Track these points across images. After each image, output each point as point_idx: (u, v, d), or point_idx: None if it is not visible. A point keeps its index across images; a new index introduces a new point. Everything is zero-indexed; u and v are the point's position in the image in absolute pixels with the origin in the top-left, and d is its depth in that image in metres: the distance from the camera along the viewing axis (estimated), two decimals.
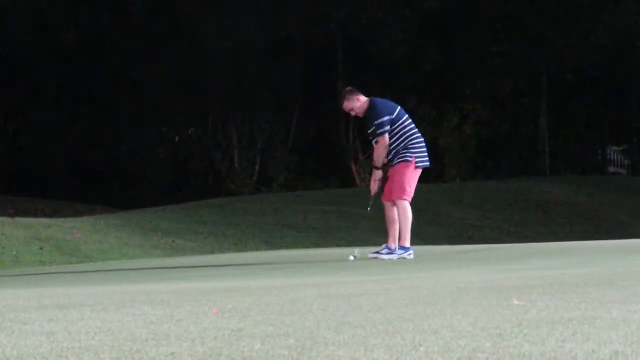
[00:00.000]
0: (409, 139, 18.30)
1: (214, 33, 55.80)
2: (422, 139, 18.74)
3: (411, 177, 18.22)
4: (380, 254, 18.10)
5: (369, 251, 18.64)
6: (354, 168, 50.61)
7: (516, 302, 8.27)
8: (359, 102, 18.33)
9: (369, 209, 19.33)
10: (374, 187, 18.60)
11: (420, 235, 22.50)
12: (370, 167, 19.18)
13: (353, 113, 18.49)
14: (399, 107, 18.52)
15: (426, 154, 18.67)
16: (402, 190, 18.19)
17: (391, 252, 18.07)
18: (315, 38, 55.08)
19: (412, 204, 18.65)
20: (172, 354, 5.50)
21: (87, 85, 58.76)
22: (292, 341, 5.97)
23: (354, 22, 54.87)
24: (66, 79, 59.11)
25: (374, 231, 18.76)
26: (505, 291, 9.44)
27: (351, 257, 18.88)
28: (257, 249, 27.90)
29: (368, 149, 16.96)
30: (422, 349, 5.33)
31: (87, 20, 59.04)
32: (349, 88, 18.74)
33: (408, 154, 18.15)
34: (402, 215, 18.31)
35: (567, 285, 10.63)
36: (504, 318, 7.10)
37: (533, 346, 5.36)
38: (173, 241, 32.12)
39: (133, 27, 58.86)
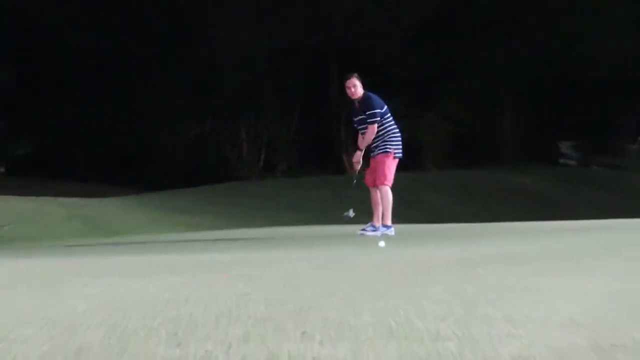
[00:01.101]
0: (390, 133, 18.31)
1: (225, 41, 55.76)
2: (399, 134, 18.75)
3: (390, 166, 18.24)
4: (366, 231, 18.10)
5: (358, 229, 18.62)
6: (344, 158, 50.52)
7: (481, 271, 8.29)
8: (359, 87, 18.34)
9: (355, 181, 19.45)
10: (356, 167, 18.80)
11: (401, 217, 22.36)
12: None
13: (351, 91, 18.35)
14: (386, 105, 18.52)
15: (401, 146, 18.74)
16: (384, 177, 18.21)
17: (375, 229, 18.07)
18: (313, 47, 55.00)
19: (393, 189, 18.68)
20: (190, 314, 5.56)
21: (124, 86, 58.58)
22: (291, 305, 6.03)
23: (346, 34, 54.84)
24: (104, 79, 58.94)
25: (362, 212, 18.66)
26: (472, 264, 9.51)
27: (351, 214, 18.98)
28: (261, 226, 27.76)
29: (356, 142, 16.89)
30: (401, 312, 5.38)
31: (120, 27, 58.99)
32: (355, 76, 18.65)
33: (388, 146, 18.17)
34: (384, 199, 18.34)
35: (526, 258, 10.66)
36: (471, 286, 7.15)
37: (496, 309, 5.43)
38: (190, 219, 32.01)
39: (158, 36, 58.63)
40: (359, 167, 18.82)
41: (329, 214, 24.54)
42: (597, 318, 5.00)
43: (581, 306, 5.62)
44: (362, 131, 18.53)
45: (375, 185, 18.53)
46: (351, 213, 19.11)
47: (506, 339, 4.23)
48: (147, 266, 11.76)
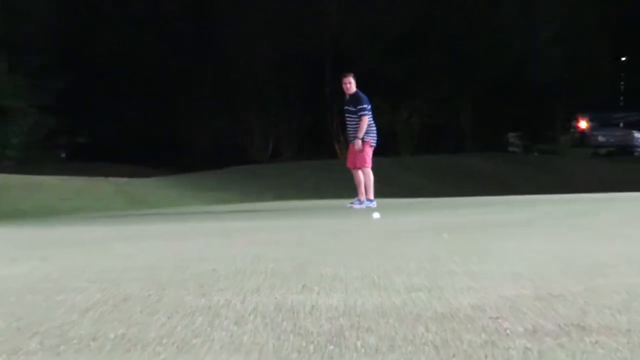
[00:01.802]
0: (370, 126, 18.22)
1: (240, 52, 56.02)
2: (375, 127, 18.65)
3: (369, 152, 17.97)
4: (354, 205, 18.00)
5: (346, 203, 18.54)
6: (336, 146, 50.67)
7: (446, 236, 8.25)
8: (353, 85, 18.03)
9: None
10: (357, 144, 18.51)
11: (381, 192, 22.25)
12: (346, 143, 18.93)
13: (347, 87, 18.01)
14: (370, 103, 18.48)
15: (376, 136, 18.63)
16: (364, 161, 17.98)
17: (361, 203, 17.94)
18: (310, 55, 55.25)
19: (374, 170, 18.64)
20: (213, 270, 5.56)
21: (163, 87, 58.87)
22: (295, 262, 6.05)
23: (337, 45, 55.14)
24: (148, 82, 59.24)
25: (352, 188, 18.61)
26: (438, 230, 9.43)
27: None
28: (270, 200, 27.72)
29: (344, 133, 16.90)
30: (382, 268, 5.38)
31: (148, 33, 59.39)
32: (351, 74, 18.57)
33: (367, 136, 18.05)
34: (367, 178, 18.15)
35: (482, 225, 10.63)
36: (438, 247, 7.13)
37: (458, 266, 5.45)
38: (212, 195, 31.96)
39: (190, 47, 59.05)
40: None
41: (323, 191, 24.53)
42: (538, 273, 4.97)
43: (526, 264, 5.60)
44: (348, 118, 18.34)
45: (356, 167, 18.37)
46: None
47: (466, 290, 4.21)
48: (177, 232, 11.75)
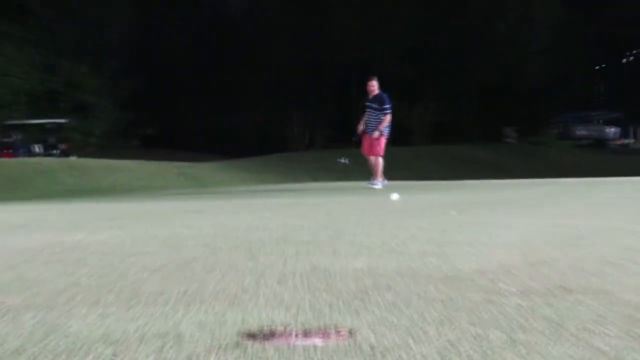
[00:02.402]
0: (389, 121, 18.19)
1: (284, 58, 56.25)
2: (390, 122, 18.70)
3: (382, 143, 17.97)
4: (373, 184, 17.92)
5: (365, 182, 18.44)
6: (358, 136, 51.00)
7: (453, 213, 8.20)
8: (377, 86, 18.11)
9: (344, 160, 19.36)
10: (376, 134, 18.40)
11: (398, 176, 22.20)
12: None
13: (371, 88, 18.10)
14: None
15: (389, 130, 18.62)
16: (380, 150, 17.97)
17: (376, 184, 17.90)
18: (339, 63, 55.31)
19: (392, 158, 18.69)
20: (260, 238, 5.55)
21: (220, 86, 59.24)
22: (327, 232, 6.04)
23: (361, 54, 55.03)
24: (207, 81, 59.70)
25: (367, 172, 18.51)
26: (446, 207, 9.38)
27: (344, 160, 18.96)
28: (307, 181, 27.69)
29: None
30: (399, 237, 5.36)
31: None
32: (375, 78, 18.54)
33: (384, 130, 18.02)
34: (377, 164, 18.03)
35: (483, 203, 10.57)
36: (446, 221, 7.10)
37: (462, 237, 5.43)
38: (259, 176, 31.95)
39: (243, 52, 59.35)
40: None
41: (350, 174, 24.43)
42: (529, 242, 4.96)
43: (518, 235, 5.58)
44: (369, 113, 18.15)
45: (372, 154, 18.22)
46: (345, 160, 19.11)
47: (469, 256, 4.19)
48: (229, 207, 11.75)
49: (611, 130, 77.42)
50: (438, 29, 61.29)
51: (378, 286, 3.22)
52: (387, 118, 18.05)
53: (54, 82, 54.90)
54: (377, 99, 18.14)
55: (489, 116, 67.70)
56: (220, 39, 59.63)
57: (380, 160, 18.32)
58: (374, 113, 18.15)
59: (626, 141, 78.40)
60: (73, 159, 36.54)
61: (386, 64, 51.53)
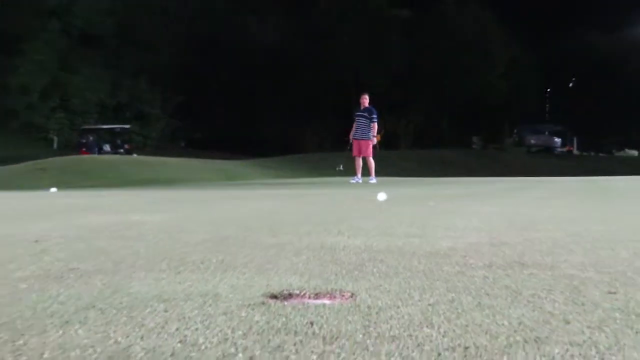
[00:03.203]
0: (373, 129, 18.21)
1: (298, 76, 56.88)
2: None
3: (370, 146, 17.94)
4: (352, 180, 17.83)
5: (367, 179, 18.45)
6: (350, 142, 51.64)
7: (431, 203, 8.18)
8: (367, 100, 18.18)
9: (341, 167, 19.33)
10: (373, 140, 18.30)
11: (387, 173, 22.20)
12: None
13: (363, 102, 18.15)
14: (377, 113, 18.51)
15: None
16: (369, 153, 17.93)
17: (358, 179, 17.84)
18: (344, 81, 55.61)
19: (381, 159, 18.84)
20: (280, 220, 5.53)
21: (253, 99, 59.70)
22: (332, 216, 6.03)
23: (359, 75, 55.38)
24: (244, 94, 60.02)
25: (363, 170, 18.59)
26: (426, 198, 9.37)
27: (341, 167, 19.01)
28: (315, 177, 27.68)
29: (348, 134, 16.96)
30: (388, 222, 5.35)
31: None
32: (367, 93, 18.54)
33: (370, 136, 17.99)
34: (370, 163, 18.04)
35: (455, 196, 10.54)
36: (425, 211, 7.08)
37: (439, 222, 5.40)
38: (277, 172, 31.99)
39: (275, 72, 59.90)
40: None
41: (350, 172, 24.43)
42: (492, 227, 4.91)
43: (484, 220, 5.55)
44: (360, 121, 18.17)
45: (361, 156, 18.16)
46: (341, 167, 19.19)
47: (445, 237, 4.16)
48: (255, 195, 11.76)
49: (556, 140, 78.11)
50: (419, 59, 61.89)
51: (373, 260, 3.21)
52: (375, 125, 18.16)
53: (120, 95, 55.15)
54: (368, 110, 18.23)
55: (459, 127, 68.24)
56: (252, 63, 59.64)
57: (372, 161, 18.30)
58: (364, 121, 18.17)
59: (568, 149, 79.00)
60: (134, 156, 36.72)
61: (379, 85, 51.55)
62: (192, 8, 59.30)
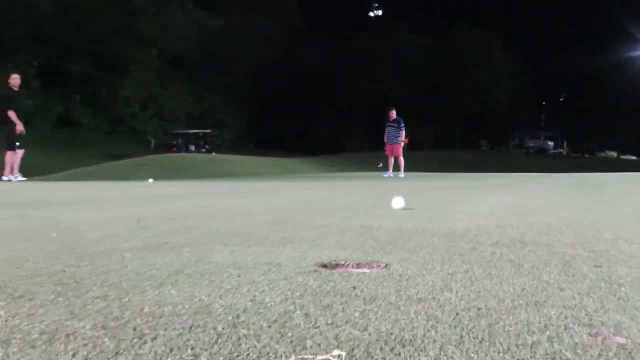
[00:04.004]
0: (402, 135, 18.19)
1: (342, 94, 56.85)
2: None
3: (401, 148, 18.00)
4: (385, 174, 17.89)
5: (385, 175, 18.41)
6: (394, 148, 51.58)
7: (444, 193, 8.10)
8: (394, 113, 18.26)
9: (381, 164, 19.34)
10: (402, 144, 18.37)
11: (414, 169, 22.06)
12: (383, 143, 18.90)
13: (391, 114, 18.25)
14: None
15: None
16: (400, 153, 18.01)
17: (390, 174, 17.87)
18: (377, 98, 55.41)
19: (409, 159, 18.87)
20: (328, 205, 5.49)
21: (306, 107, 60.03)
22: (371, 203, 5.97)
23: (390, 92, 54.76)
24: (300, 103, 60.23)
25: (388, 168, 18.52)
26: (439, 190, 9.28)
27: (380, 165, 19.03)
28: (357, 171, 27.61)
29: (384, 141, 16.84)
30: (414, 207, 5.24)
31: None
32: (394, 108, 18.51)
33: (400, 140, 18.01)
34: (400, 162, 18.07)
35: (467, 188, 10.40)
36: (442, 198, 7.00)
37: (454, 208, 5.31)
38: (327, 167, 32.00)
39: (318, 83, 59.98)
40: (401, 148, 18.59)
41: (383, 168, 24.35)
42: (496, 213, 4.84)
43: (489, 207, 5.45)
44: (390, 130, 18.14)
45: (393, 155, 18.21)
46: (381, 165, 19.21)
47: (458, 221, 4.11)
48: (309, 185, 11.75)
49: (549, 143, 77.82)
50: (438, 78, 61.64)
51: (402, 238, 3.18)
52: (402, 132, 18.21)
53: (202, 106, 55.73)
54: (396, 120, 18.27)
55: (470, 132, 67.82)
56: (306, 80, 59.93)
57: (402, 160, 18.27)
58: (394, 130, 18.22)
59: (559, 151, 78.43)
60: (213, 155, 37.05)
61: (406, 100, 51.35)
62: (260, 37, 59.67)
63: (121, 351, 1.34)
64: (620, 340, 1.43)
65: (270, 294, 1.87)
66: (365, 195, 8.09)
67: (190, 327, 1.51)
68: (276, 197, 7.43)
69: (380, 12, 77.30)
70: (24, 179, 13.72)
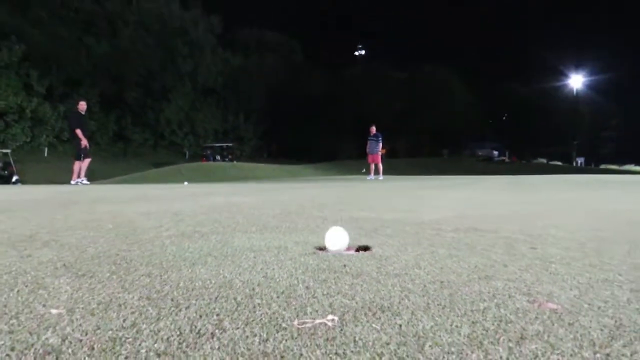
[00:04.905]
0: (381, 147, 17.99)
1: (335, 113, 56.52)
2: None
3: (380, 157, 17.74)
4: (368, 178, 17.69)
5: (373, 179, 18.34)
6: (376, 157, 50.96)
7: (419, 192, 8.05)
8: (374, 129, 17.70)
9: (364, 169, 19.10)
10: (380, 153, 17.97)
11: (392, 173, 22.02)
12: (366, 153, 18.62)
13: (372, 130, 17.71)
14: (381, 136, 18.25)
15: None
16: (379, 160, 17.71)
17: (371, 178, 17.44)
18: (361, 116, 55.42)
19: (388, 165, 18.62)
20: (324, 201, 5.36)
21: (309, 121, 59.66)
22: (358, 199, 5.89)
23: (372, 111, 54.36)
24: (308, 117, 59.78)
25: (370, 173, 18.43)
26: (417, 188, 9.24)
27: (364, 170, 18.69)
28: (348, 175, 27.52)
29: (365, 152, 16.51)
30: (391, 203, 5.23)
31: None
32: (374, 125, 18.04)
33: (379, 150, 17.77)
34: (378, 168, 17.71)
35: (433, 187, 10.36)
36: (417, 197, 6.94)
37: (423, 202, 5.24)
38: (325, 171, 31.93)
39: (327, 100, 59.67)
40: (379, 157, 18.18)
41: (367, 173, 24.27)
42: (457, 206, 4.82)
43: (452, 202, 5.45)
44: (371, 143, 17.70)
45: (373, 163, 17.81)
46: (365, 170, 18.91)
47: (430, 214, 4.09)
48: (309, 186, 11.70)
49: (495, 152, 78.09)
50: (409, 102, 61.78)
51: (383, 226, 3.16)
52: (380, 144, 17.88)
53: (226, 126, 55.75)
54: (375, 135, 17.86)
55: (435, 144, 67.94)
56: (308, 102, 59.88)
57: (380, 166, 18.01)
58: (374, 143, 17.88)
59: (503, 158, 78.59)
60: (235, 163, 37.01)
61: (386, 118, 51.40)
62: (270, 70, 59.76)
63: (161, 317, 1.33)
64: (552, 306, 1.42)
65: (279, 272, 1.85)
66: (353, 193, 8.05)
67: (216, 298, 1.49)
68: (284, 195, 7.39)
69: (363, 52, 77.44)
70: (88, 182, 13.67)
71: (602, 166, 73.81)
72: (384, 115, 53.39)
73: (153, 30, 50.33)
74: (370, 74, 62.61)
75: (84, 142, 13.13)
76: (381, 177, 17.85)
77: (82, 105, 13.45)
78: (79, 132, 13.12)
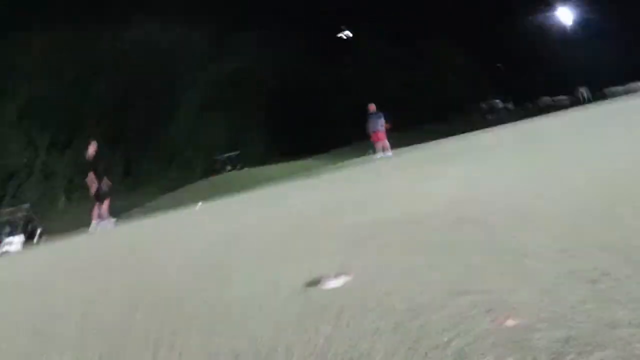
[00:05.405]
0: (384, 124, 17.61)
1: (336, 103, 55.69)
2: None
3: (384, 134, 17.49)
4: (388, 154, 17.00)
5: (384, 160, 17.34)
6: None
7: (411, 170, 7.97)
8: (374, 107, 17.53)
9: (370, 150, 18.55)
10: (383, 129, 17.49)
11: (395, 147, 21.79)
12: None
13: (371, 108, 17.43)
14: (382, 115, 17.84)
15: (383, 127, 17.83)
16: (383, 137, 17.48)
17: (377, 155, 17.29)
18: (361, 102, 53.97)
19: (389, 139, 17.97)
20: (355, 199, 5.74)
21: (313, 117, 58.07)
22: (373, 175, 6.19)
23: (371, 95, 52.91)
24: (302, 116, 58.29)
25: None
26: (419, 163, 9.21)
27: (370, 151, 17.90)
28: (355, 158, 27.24)
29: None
30: (395, 182, 5.63)
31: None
32: (373, 104, 17.79)
33: (382, 128, 17.43)
34: (385, 144, 17.44)
35: (443, 159, 10.36)
36: (418, 172, 7.11)
37: (426, 184, 5.52)
38: (332, 161, 31.71)
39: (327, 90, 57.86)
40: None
41: (372, 155, 23.90)
42: (455, 185, 5.21)
43: (448, 181, 5.76)
44: (372, 120, 17.36)
45: (377, 140, 17.54)
46: (370, 151, 18.22)
47: (425, 203, 4.46)
48: (327, 180, 11.91)
49: (497, 101, 75.34)
50: (407, 80, 61.20)
51: (372, 235, 3.57)
52: (382, 120, 17.58)
53: (233, 139, 55.93)
54: (376, 113, 17.66)
55: (432, 114, 67.45)
56: (313, 95, 59.02)
57: (387, 142, 17.69)
58: (376, 121, 17.60)
59: (506, 105, 76.42)
60: (245, 169, 37.61)
61: (388, 95, 50.57)
62: (274, 74, 59.35)
63: None
64: (511, 322, 1.36)
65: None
66: (353, 192, 7.92)
67: None
68: (302, 197, 7.15)
69: (349, 33, 75.90)
70: (114, 219, 13.61)
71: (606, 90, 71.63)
72: (389, 90, 52.59)
73: (151, 61, 50.43)
74: (368, 52, 62.26)
75: (95, 185, 12.86)
76: (390, 153, 17.36)
77: (92, 147, 13.14)
78: (91, 176, 12.90)
